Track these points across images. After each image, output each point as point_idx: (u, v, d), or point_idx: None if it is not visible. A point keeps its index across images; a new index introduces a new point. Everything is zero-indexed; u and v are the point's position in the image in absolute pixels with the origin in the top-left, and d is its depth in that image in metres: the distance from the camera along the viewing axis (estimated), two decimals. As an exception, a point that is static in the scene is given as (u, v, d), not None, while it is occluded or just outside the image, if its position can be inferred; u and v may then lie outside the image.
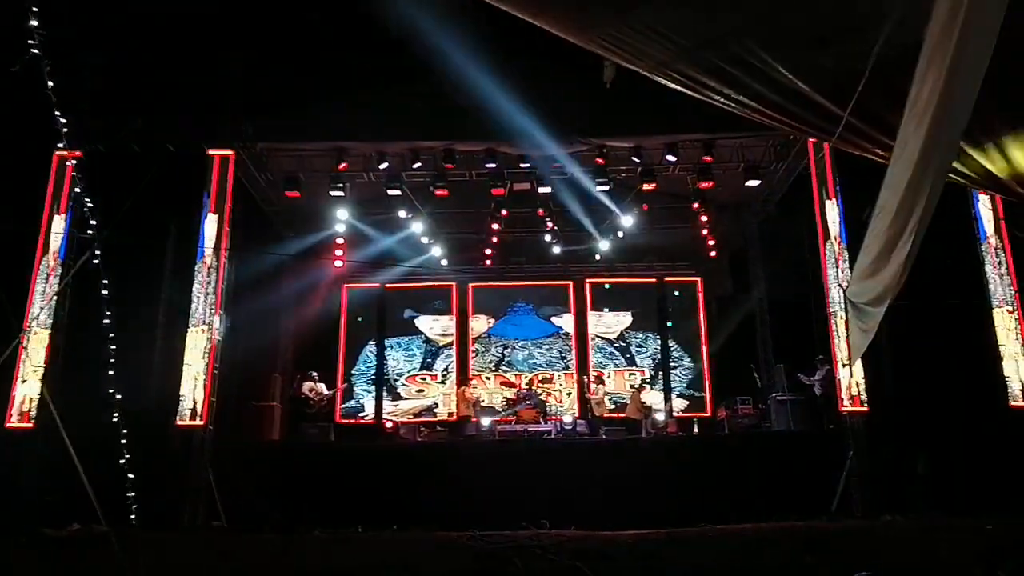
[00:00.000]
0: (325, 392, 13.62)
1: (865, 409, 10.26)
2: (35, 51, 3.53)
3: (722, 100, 4.29)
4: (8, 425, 10.11)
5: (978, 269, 10.77)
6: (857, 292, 3.79)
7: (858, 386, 10.30)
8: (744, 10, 3.63)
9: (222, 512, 9.97)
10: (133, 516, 4.53)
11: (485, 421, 13.00)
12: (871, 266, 3.40)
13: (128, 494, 4.64)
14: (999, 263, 10.68)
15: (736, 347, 15.12)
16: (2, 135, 10.01)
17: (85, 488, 6.69)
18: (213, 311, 10.82)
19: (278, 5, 10.99)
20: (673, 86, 4.25)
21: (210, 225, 11.14)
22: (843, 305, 9.94)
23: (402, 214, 13.72)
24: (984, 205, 10.88)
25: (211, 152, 11.38)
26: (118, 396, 4.73)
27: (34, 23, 3.53)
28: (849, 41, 3.64)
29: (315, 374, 13.61)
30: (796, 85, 4.02)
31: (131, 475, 4.76)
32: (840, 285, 10.44)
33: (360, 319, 16.44)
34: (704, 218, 14.24)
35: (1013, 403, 10.24)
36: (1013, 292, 10.55)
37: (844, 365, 10.39)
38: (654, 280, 16.46)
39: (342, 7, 10.84)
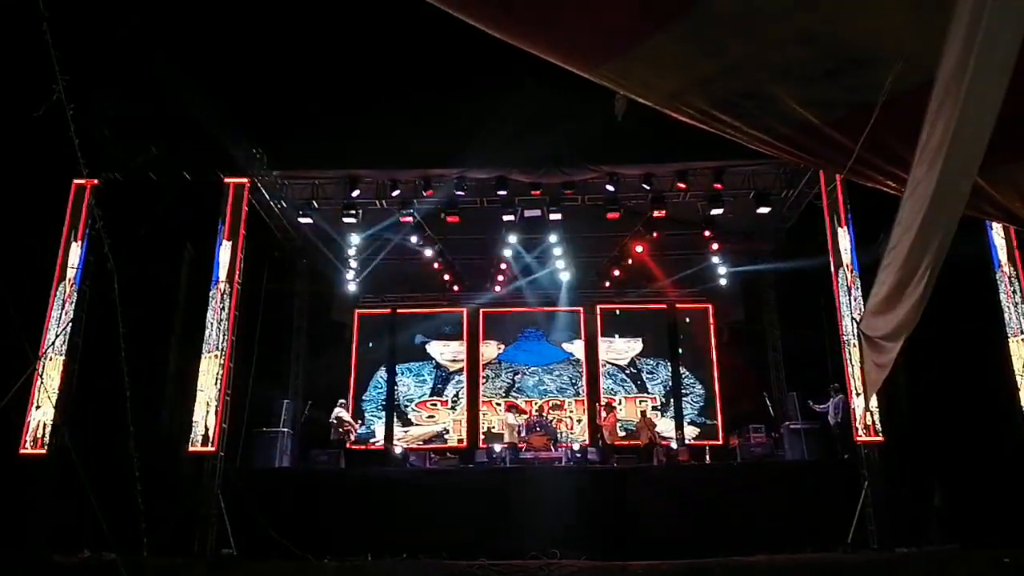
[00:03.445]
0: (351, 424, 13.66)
1: (880, 439, 10.13)
2: (58, 93, 3.59)
3: (732, 133, 4.29)
4: (22, 451, 10.17)
5: (993, 298, 10.69)
6: (871, 326, 3.75)
7: (873, 416, 10.16)
8: (752, 43, 3.65)
9: (232, 539, 9.94)
10: (144, 543, 4.53)
11: (496, 448, 12.95)
12: (884, 301, 3.38)
13: (139, 521, 4.64)
14: (1014, 292, 10.59)
15: (748, 375, 15.02)
16: (21, 164, 10.17)
17: (96, 514, 6.70)
18: (226, 337, 10.87)
19: (292, 35, 11.17)
20: (682, 119, 4.27)
21: (224, 252, 11.24)
22: (856, 335, 9.88)
23: (413, 240, 13.81)
24: (997, 234, 10.81)
25: (227, 180, 11.52)
26: (131, 425, 4.74)
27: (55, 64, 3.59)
28: (859, 74, 3.65)
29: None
30: (806, 118, 4.02)
31: (142, 501, 4.76)
32: (853, 314, 10.37)
33: (371, 344, 16.46)
34: (715, 245, 14.24)
35: (1030, 433, 10.11)
36: (1028, 321, 10.45)
37: (858, 394, 10.28)
38: (665, 306, 16.41)
39: (356, 37, 11.02)
